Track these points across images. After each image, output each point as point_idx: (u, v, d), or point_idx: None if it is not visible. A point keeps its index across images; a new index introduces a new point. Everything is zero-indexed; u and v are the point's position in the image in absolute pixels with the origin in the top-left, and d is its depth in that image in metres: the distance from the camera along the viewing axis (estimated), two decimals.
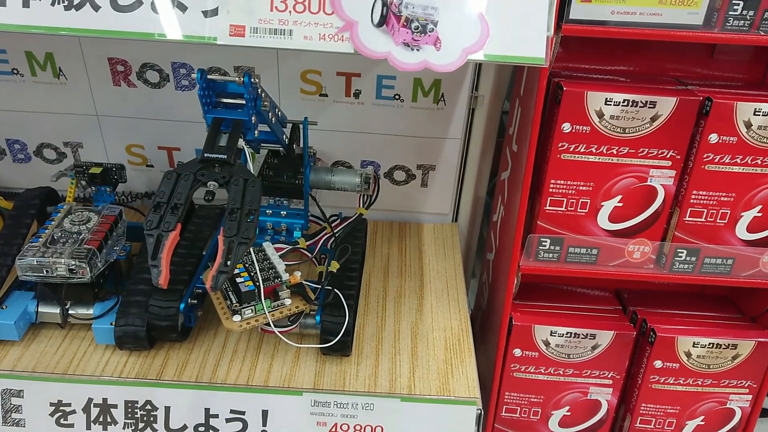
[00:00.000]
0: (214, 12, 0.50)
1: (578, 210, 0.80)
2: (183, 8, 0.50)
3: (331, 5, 0.50)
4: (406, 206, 1.01)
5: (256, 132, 0.60)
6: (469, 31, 0.50)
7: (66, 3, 0.50)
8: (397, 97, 0.90)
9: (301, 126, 0.78)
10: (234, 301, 0.70)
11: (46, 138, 0.95)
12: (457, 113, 0.91)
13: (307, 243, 0.81)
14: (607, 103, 0.73)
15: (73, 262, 0.72)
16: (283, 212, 0.83)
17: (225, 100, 0.59)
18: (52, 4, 0.50)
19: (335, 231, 0.81)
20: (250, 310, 0.70)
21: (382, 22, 0.50)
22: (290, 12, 0.50)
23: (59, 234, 0.76)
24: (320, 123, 0.91)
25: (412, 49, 0.51)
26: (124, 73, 0.89)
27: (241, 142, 0.57)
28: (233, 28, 0.50)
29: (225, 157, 0.55)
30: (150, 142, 0.95)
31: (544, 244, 0.82)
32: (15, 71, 0.89)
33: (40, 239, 0.75)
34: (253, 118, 0.58)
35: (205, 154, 0.55)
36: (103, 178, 0.85)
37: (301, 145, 0.79)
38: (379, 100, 0.90)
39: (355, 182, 0.80)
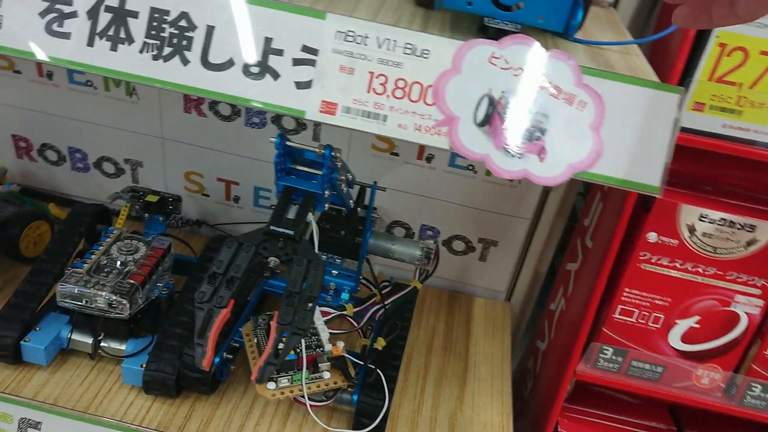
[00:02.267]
0: (308, 84, 0.47)
1: (649, 324, 0.74)
2: (276, 75, 0.47)
3: (434, 96, 0.46)
4: (459, 277, 0.96)
5: (326, 205, 0.56)
6: (580, 146, 0.46)
7: (155, 52, 0.47)
8: (470, 168, 0.85)
9: (366, 187, 0.74)
10: None
11: (107, 152, 0.94)
12: (531, 193, 0.87)
13: (355, 310, 0.77)
14: (702, 219, 0.67)
15: (114, 297, 0.69)
16: (335, 271, 0.79)
17: (300, 168, 0.55)
18: (140, 51, 0.47)
19: (386, 303, 0.76)
20: (287, 380, 0.66)
21: (486, 122, 0.46)
22: (388, 96, 0.46)
23: (105, 261, 0.74)
24: (386, 181, 0.88)
25: (513, 156, 0.46)
26: (196, 102, 0.86)
27: (309, 216, 0.53)
28: (324, 105, 0.47)
29: (291, 233, 0.51)
30: (210, 172, 0.92)
31: (605, 352, 0.76)
32: (89, 83, 0.88)
33: (85, 265, 0.73)
34: (326, 192, 0.55)
35: (271, 227, 0.52)
36: (158, 207, 0.83)
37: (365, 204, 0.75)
38: (451, 168, 0.86)
39: (415, 255, 0.75)
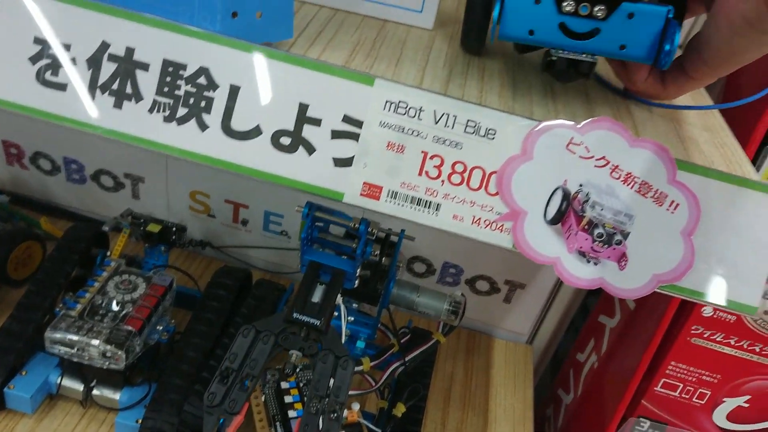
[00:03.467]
0: (348, 162, 0.39)
1: (693, 399, 0.67)
2: (310, 149, 0.39)
3: (498, 185, 0.39)
4: (480, 317, 0.90)
5: (356, 282, 0.49)
6: (668, 254, 0.39)
7: (167, 113, 0.40)
8: None
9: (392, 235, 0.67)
10: None
11: (106, 164, 0.86)
12: None
13: (372, 363, 0.70)
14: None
15: (109, 347, 0.62)
16: (351, 317, 0.72)
17: (328, 238, 0.48)
18: (150, 111, 0.40)
19: (406, 360, 0.69)
20: None
21: (558, 219, 0.39)
22: (443, 182, 0.39)
23: (100, 301, 0.67)
24: None
25: (588, 261, 0.39)
26: None
27: (339, 298, 0.46)
28: (367, 187, 0.39)
29: (317, 323, 0.44)
30: (218, 193, 0.85)
31: (642, 425, 0.70)
32: None
33: (78, 305, 0.66)
34: (358, 270, 0.47)
35: (294, 314, 0.44)
36: (160, 236, 0.75)
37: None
38: None
39: (441, 309, 0.68)
